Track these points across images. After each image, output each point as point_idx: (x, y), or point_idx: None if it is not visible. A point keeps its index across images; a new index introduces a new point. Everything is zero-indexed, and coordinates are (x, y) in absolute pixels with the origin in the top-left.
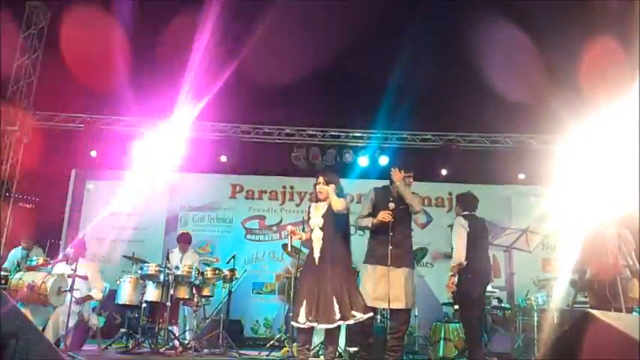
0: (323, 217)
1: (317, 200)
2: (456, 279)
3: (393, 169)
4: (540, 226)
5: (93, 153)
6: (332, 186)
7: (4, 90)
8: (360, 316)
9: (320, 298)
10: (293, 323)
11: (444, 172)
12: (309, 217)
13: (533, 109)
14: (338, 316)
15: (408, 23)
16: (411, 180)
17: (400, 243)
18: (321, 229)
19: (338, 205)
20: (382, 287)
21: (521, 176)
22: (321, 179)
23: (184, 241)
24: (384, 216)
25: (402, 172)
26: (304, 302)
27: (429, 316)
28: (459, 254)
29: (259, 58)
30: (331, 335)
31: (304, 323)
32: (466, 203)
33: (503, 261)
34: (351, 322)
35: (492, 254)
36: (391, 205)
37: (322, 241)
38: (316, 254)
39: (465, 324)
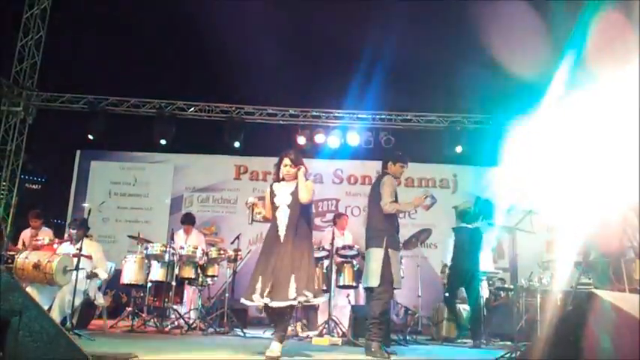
0: (292, 194)
1: (279, 180)
2: (444, 276)
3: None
4: (545, 207)
5: (90, 137)
6: (302, 171)
7: (7, 71)
8: (310, 297)
9: (278, 276)
10: (245, 301)
11: (448, 153)
12: (273, 195)
13: (537, 89)
14: (293, 295)
15: (410, 2)
16: (403, 169)
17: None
18: (289, 206)
19: (306, 196)
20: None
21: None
22: (287, 161)
23: (188, 222)
24: (421, 204)
25: (397, 163)
26: (260, 279)
27: (432, 296)
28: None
29: (263, 37)
30: (282, 315)
31: (258, 301)
32: (460, 216)
33: (506, 242)
34: (301, 300)
35: (496, 236)
36: (428, 200)
37: (289, 219)
38: (281, 232)
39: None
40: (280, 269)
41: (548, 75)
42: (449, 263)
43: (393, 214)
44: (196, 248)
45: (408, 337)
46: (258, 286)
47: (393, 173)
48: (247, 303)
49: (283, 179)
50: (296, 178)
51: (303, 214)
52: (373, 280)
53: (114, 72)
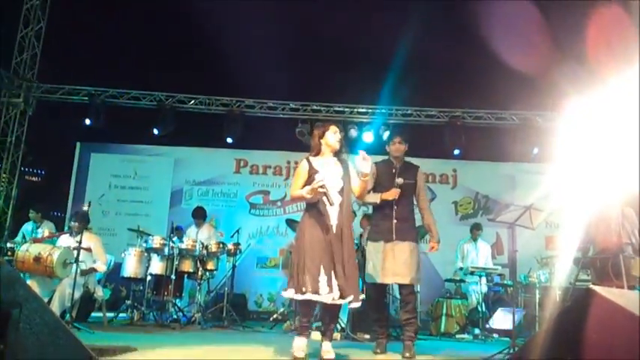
0: (342, 179)
1: (317, 153)
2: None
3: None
4: (544, 203)
5: (87, 121)
6: (346, 158)
7: (7, 62)
8: (362, 298)
9: (345, 273)
10: (313, 297)
11: (448, 148)
12: (317, 174)
13: (539, 86)
14: (360, 294)
15: None
16: (401, 146)
17: (405, 217)
18: (340, 193)
19: (363, 193)
20: (389, 262)
21: (526, 154)
22: (336, 128)
23: (199, 216)
24: (394, 193)
25: (388, 144)
26: (322, 271)
27: (431, 292)
28: None
29: (264, 31)
30: (334, 313)
31: (334, 298)
32: None
33: (506, 238)
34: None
35: (496, 231)
36: (400, 181)
37: (340, 208)
38: (333, 221)
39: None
40: (346, 267)
41: (548, 71)
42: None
43: (383, 202)
44: (195, 242)
45: (394, 333)
46: (323, 279)
47: (391, 154)
48: (315, 298)
49: (321, 151)
50: (337, 154)
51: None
52: None
53: (114, 64)
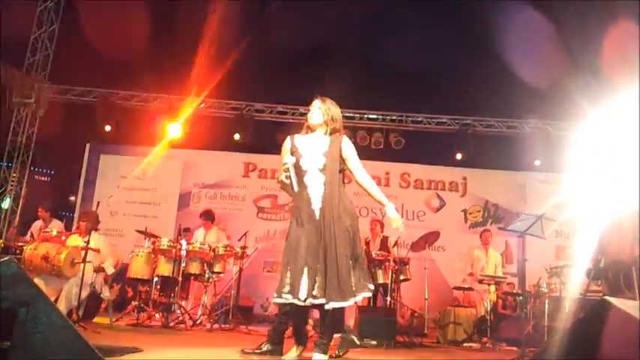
0: (325, 155)
1: (306, 130)
2: None
3: None
4: (556, 213)
5: (107, 127)
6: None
7: (20, 62)
8: (370, 289)
9: (329, 267)
10: (275, 300)
11: (458, 156)
12: (298, 156)
13: (551, 95)
14: (354, 289)
15: (426, 5)
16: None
17: None
18: (322, 171)
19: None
20: None
21: (537, 163)
22: (317, 102)
23: (207, 218)
24: None
25: None
26: (305, 271)
27: (439, 299)
28: None
29: (276, 36)
30: (335, 317)
31: (305, 300)
32: None
33: (515, 247)
34: (361, 297)
35: (505, 240)
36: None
37: (324, 187)
38: (315, 205)
39: None
40: (334, 260)
41: (561, 80)
42: None
43: None
44: (203, 244)
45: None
46: (287, 281)
47: None
48: (277, 301)
49: (309, 128)
50: (321, 126)
51: (343, 182)
52: None
53: (125, 66)
